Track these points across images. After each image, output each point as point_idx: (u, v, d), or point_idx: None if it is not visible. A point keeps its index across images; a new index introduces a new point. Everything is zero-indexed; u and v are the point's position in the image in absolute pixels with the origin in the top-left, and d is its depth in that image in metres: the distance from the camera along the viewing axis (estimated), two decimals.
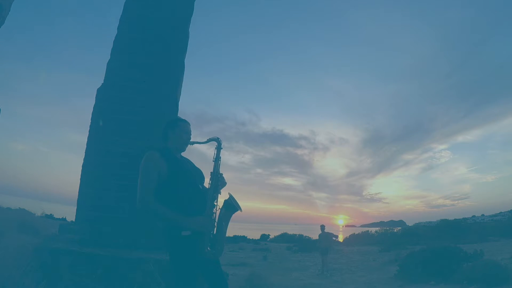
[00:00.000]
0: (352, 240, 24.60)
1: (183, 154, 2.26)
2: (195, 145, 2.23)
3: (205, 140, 2.20)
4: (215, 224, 2.02)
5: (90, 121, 6.42)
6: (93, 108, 4.79)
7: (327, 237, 10.96)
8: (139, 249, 4.10)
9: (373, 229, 28.36)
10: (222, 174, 2.15)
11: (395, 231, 25.93)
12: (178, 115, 4.93)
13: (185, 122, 2.24)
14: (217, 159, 2.14)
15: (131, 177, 4.47)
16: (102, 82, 4.86)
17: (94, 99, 5.18)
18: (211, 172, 2.12)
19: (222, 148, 2.17)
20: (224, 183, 2.16)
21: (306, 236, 26.70)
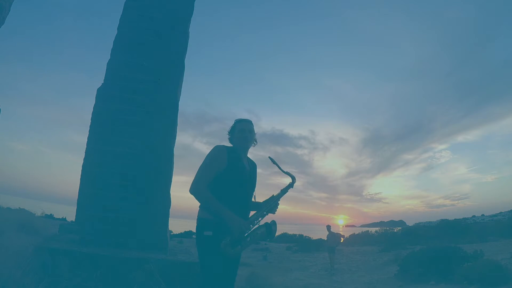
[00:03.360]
0: (352, 240, 24.59)
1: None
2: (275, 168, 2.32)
3: (286, 170, 2.31)
4: (249, 233, 2.08)
5: (90, 121, 6.42)
6: (93, 108, 4.79)
7: (334, 237, 11.28)
8: (139, 249, 4.10)
9: (373, 229, 28.33)
10: (279, 204, 2.26)
11: (395, 231, 25.92)
12: (178, 115, 4.93)
13: (242, 122, 2.32)
14: (284, 190, 2.27)
15: (131, 177, 4.49)
16: (102, 82, 4.86)
17: (94, 99, 5.18)
18: (273, 195, 2.26)
19: (292, 187, 2.30)
20: (274, 210, 2.25)
21: (306, 236, 26.67)
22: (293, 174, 2.33)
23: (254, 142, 2.37)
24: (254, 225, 2.11)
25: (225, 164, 2.13)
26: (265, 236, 2.14)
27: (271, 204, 2.21)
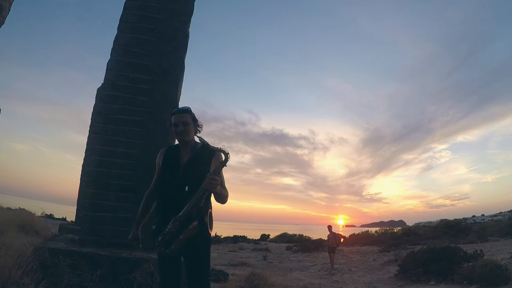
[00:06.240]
0: (352, 240, 24.61)
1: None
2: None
3: (217, 147, 2.07)
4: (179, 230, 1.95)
5: (90, 121, 6.42)
6: (93, 108, 4.79)
7: (334, 237, 11.53)
8: (139, 249, 4.10)
9: (373, 229, 28.39)
10: (216, 181, 1.96)
11: (395, 231, 25.96)
12: None
13: (175, 114, 2.17)
14: (216, 172, 1.98)
15: (131, 177, 4.50)
16: (102, 82, 4.86)
17: (94, 99, 5.18)
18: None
19: (225, 165, 2.04)
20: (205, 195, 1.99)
21: (306, 236, 26.71)
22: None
23: (198, 129, 2.19)
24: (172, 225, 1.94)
25: (160, 165, 2.21)
26: (199, 228, 1.96)
27: (199, 194, 1.95)
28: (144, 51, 4.84)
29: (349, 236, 26.44)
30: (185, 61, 5.10)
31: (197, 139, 2.15)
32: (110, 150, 4.48)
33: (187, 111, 2.19)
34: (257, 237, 28.96)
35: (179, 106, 4.95)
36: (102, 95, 4.74)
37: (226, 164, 2.04)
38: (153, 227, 2.09)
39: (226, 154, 2.03)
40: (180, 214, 1.94)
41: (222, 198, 2.08)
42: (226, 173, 2.20)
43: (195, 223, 1.95)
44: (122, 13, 4.98)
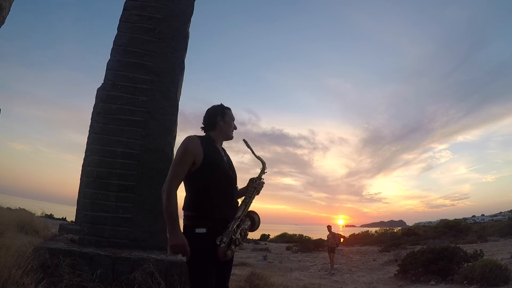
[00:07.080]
0: (352, 240, 24.62)
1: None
2: (246, 150, 2.25)
3: (257, 155, 2.22)
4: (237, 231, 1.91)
5: (90, 121, 6.42)
6: (93, 108, 4.79)
7: (334, 237, 11.61)
8: (139, 249, 4.10)
9: (373, 229, 28.44)
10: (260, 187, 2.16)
11: (395, 231, 26.00)
12: (178, 115, 4.93)
13: (230, 109, 2.16)
14: (258, 178, 2.17)
15: (131, 177, 4.50)
16: (102, 82, 4.86)
17: (94, 99, 5.17)
18: (248, 186, 2.13)
19: (264, 173, 2.21)
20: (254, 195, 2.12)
21: (306, 236, 26.74)
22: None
23: None
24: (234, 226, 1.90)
25: (201, 157, 1.87)
26: (250, 229, 2.04)
27: (253, 195, 2.07)
28: (144, 51, 4.84)
29: (349, 236, 26.45)
30: (185, 61, 5.10)
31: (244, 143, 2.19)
32: (110, 150, 4.48)
33: None
34: (257, 237, 28.98)
35: (178, 106, 4.96)
36: (102, 95, 4.74)
37: (265, 172, 2.21)
38: (203, 230, 1.81)
39: (264, 163, 2.22)
40: (240, 214, 1.93)
41: None
42: None
43: (249, 223, 2.00)
44: (122, 13, 4.98)
